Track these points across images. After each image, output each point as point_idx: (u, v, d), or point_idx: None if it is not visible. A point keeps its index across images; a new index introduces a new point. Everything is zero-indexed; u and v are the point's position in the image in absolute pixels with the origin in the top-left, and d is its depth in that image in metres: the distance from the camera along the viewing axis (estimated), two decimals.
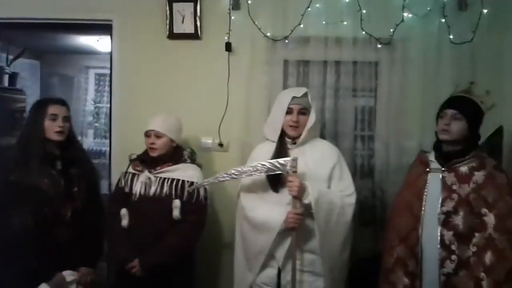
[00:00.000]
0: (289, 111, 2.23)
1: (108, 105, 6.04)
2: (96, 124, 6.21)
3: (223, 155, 2.92)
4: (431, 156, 2.11)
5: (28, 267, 2.16)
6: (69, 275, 2.25)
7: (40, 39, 4.88)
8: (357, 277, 2.38)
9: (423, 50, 2.77)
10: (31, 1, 2.92)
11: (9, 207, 2.18)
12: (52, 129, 2.28)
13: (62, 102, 2.37)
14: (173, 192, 2.36)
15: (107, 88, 6.23)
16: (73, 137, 2.42)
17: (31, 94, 5.31)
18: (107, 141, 6.02)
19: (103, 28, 3.03)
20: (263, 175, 2.19)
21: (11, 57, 4.84)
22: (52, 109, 2.30)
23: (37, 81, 5.82)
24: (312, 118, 2.25)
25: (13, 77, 4.82)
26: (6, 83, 4.68)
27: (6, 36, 4.17)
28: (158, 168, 2.41)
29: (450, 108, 2.02)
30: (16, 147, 2.34)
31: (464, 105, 2.02)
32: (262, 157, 2.25)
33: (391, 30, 2.72)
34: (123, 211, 2.37)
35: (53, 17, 2.96)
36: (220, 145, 2.91)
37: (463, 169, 1.97)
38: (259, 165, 2.14)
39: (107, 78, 6.20)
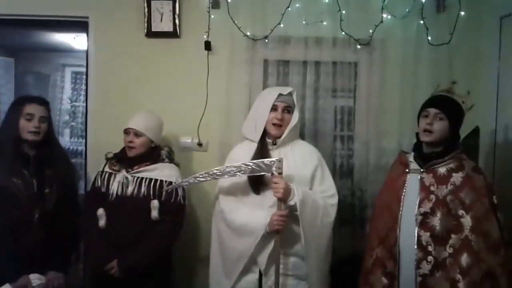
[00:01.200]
0: (273, 108, 2.20)
1: (85, 104, 5.98)
2: (73, 123, 6.09)
3: (202, 154, 2.89)
4: (411, 157, 2.11)
5: None
6: (35, 278, 2.21)
7: (14, 36, 4.75)
8: (337, 278, 2.37)
9: (401, 51, 2.79)
10: None
11: None
12: (26, 128, 2.24)
13: (41, 102, 2.32)
14: (151, 192, 2.32)
15: (83, 87, 6.10)
16: (51, 137, 2.38)
17: (5, 93, 5.19)
18: (84, 140, 5.96)
19: (80, 25, 2.96)
20: (245, 176, 2.14)
21: None
22: (28, 109, 2.25)
23: (11, 79, 5.66)
24: (295, 118, 2.22)
25: None
26: None
27: None
28: (136, 167, 2.37)
29: (432, 107, 2.01)
30: None
31: (447, 105, 2.01)
32: (242, 158, 2.20)
33: (370, 31, 2.73)
34: (100, 211, 2.32)
35: (28, 13, 2.89)
36: (199, 144, 2.88)
37: (442, 170, 1.97)
38: (243, 165, 2.08)
39: (84, 77, 6.06)
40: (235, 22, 2.74)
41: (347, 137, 2.88)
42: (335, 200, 2.21)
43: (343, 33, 2.72)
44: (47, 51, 5.70)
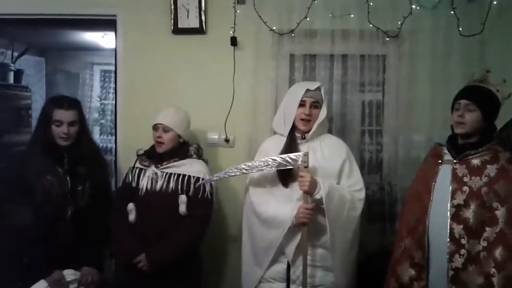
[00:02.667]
0: (302, 104, 2.22)
1: (114, 102, 6.08)
2: (102, 121, 6.20)
3: (229, 150, 2.90)
4: (445, 149, 2.07)
5: (28, 262, 2.17)
6: (70, 274, 2.26)
7: (44, 35, 4.87)
8: (366, 272, 2.37)
9: (431, 43, 2.72)
10: None
11: (13, 202, 2.20)
12: (57, 134, 2.29)
13: (68, 106, 2.33)
14: (179, 187, 2.35)
15: (112, 85, 6.22)
16: (84, 135, 2.42)
17: (36, 91, 5.33)
18: (113, 137, 6.06)
19: (108, 23, 3.00)
20: (273, 170, 2.17)
21: (16, 54, 4.84)
22: (57, 115, 2.30)
23: (42, 78, 5.82)
24: (323, 113, 2.24)
25: (18, 74, 4.82)
26: (11, 80, 4.68)
27: (10, 33, 4.17)
28: (165, 163, 2.40)
29: (463, 99, 1.98)
30: (29, 146, 2.37)
31: (478, 95, 1.96)
32: (271, 151, 2.24)
33: (399, 22, 2.67)
34: (130, 206, 2.36)
35: (57, 13, 2.94)
36: (226, 140, 2.88)
37: (475, 161, 1.93)
38: (270, 160, 2.13)
39: (113, 75, 6.18)
40: (261, 16, 2.72)
41: (376, 132, 2.83)
42: (362, 195, 2.22)
43: (371, 25, 2.68)
44: (76, 50, 5.82)
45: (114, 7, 2.87)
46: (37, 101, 5.06)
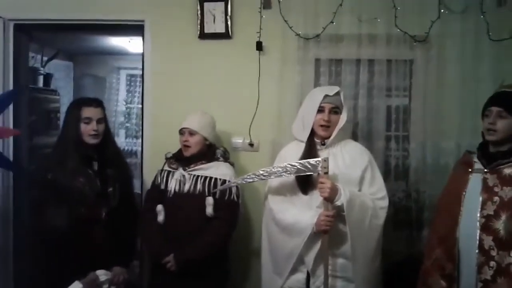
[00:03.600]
0: (320, 110, 2.18)
1: (139, 106, 6.17)
2: (127, 124, 6.28)
3: (253, 155, 2.90)
4: (475, 157, 2.02)
5: (62, 265, 2.21)
6: (102, 274, 2.28)
7: (73, 40, 4.96)
8: (393, 281, 2.32)
9: (460, 48, 2.68)
10: (64, 3, 2.97)
11: (45, 205, 2.24)
12: (86, 132, 2.32)
13: (96, 104, 2.39)
14: (206, 189, 2.37)
15: (138, 89, 6.30)
16: (109, 137, 2.46)
17: (65, 95, 5.42)
18: (138, 140, 6.15)
19: (135, 28, 3.05)
20: (292, 176, 2.15)
21: (45, 58, 4.96)
22: (86, 112, 2.34)
23: (70, 82, 5.94)
24: (343, 118, 2.19)
25: (47, 78, 4.93)
26: (41, 84, 4.79)
27: (40, 38, 4.27)
28: (192, 165, 2.43)
29: (494, 106, 1.93)
30: (55, 147, 2.41)
31: (510, 102, 1.91)
32: (290, 157, 2.22)
33: (427, 27, 2.64)
34: (159, 207, 2.40)
35: (86, 18, 3.00)
36: (251, 145, 2.89)
37: (507, 171, 1.88)
38: (289, 165, 2.10)
39: (138, 79, 6.27)
40: (287, 21, 2.73)
41: (402, 137, 2.79)
42: (385, 203, 2.16)
43: (398, 29, 2.65)
44: (103, 54, 5.91)
45: (142, 13, 2.92)
46: (65, 104, 5.12)
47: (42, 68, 4.83)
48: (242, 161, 2.88)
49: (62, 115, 4.91)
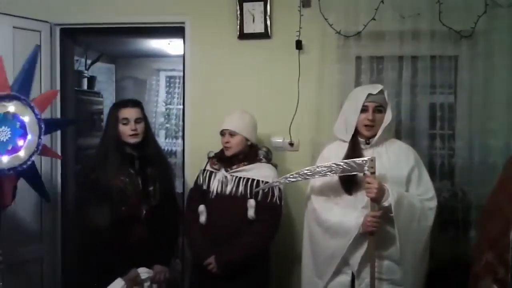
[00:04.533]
0: (364, 109, 2.14)
1: (178, 107, 6.27)
2: (167, 125, 6.39)
3: (293, 154, 2.89)
4: None
5: (105, 262, 2.27)
6: (144, 272, 2.34)
7: (115, 44, 5.10)
8: (438, 282, 2.25)
9: (507, 43, 2.57)
10: (107, 7, 3.05)
11: (89, 204, 2.31)
12: (126, 132, 2.37)
13: (132, 104, 2.44)
14: (248, 191, 2.36)
15: (177, 90, 6.40)
16: (150, 136, 2.50)
17: (107, 96, 5.59)
18: (178, 141, 6.26)
19: (175, 31, 3.10)
20: (336, 176, 2.10)
21: (89, 61, 5.12)
22: (123, 113, 2.39)
23: (112, 84, 6.10)
24: (388, 117, 2.14)
25: (91, 80, 5.09)
26: (85, 86, 4.95)
27: (84, 41, 4.41)
28: (234, 167, 2.42)
29: None
30: (98, 148, 2.47)
31: None
32: (333, 158, 2.17)
33: (473, 22, 2.55)
34: (201, 208, 2.41)
35: (129, 22, 3.07)
36: (291, 144, 2.88)
37: None
38: (334, 165, 2.05)
39: (177, 80, 6.38)
40: (327, 19, 2.70)
41: (448, 136, 2.71)
42: (433, 204, 2.09)
43: (443, 25, 2.57)
44: (144, 57, 6.04)
45: (182, 15, 2.96)
46: (108, 106, 5.29)
47: (86, 71, 4.99)
48: (282, 160, 2.87)
49: (105, 117, 5.06)
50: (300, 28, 2.75)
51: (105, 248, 2.26)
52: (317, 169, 2.09)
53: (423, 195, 2.10)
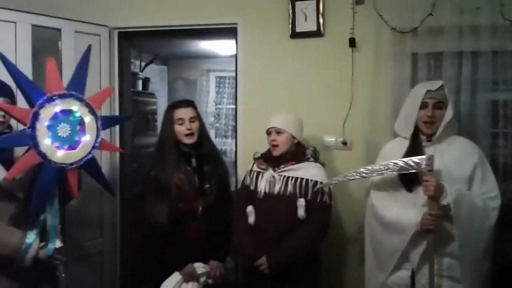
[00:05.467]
0: (423, 106, 2.10)
1: (228, 106, 6.35)
2: (217, 125, 6.49)
3: (346, 153, 2.85)
4: None
5: (163, 256, 2.34)
6: (200, 267, 2.39)
7: (167, 46, 5.24)
8: (500, 284, 2.16)
9: None
10: (162, 11, 3.13)
11: (149, 200, 2.38)
12: (181, 132, 2.42)
13: (186, 104, 2.49)
14: (297, 191, 2.34)
15: (226, 90, 6.50)
16: (205, 135, 2.55)
17: (160, 98, 5.74)
18: (228, 140, 6.34)
19: (226, 31, 3.15)
20: (395, 174, 2.08)
21: (143, 63, 5.28)
22: (177, 114, 2.44)
23: (165, 85, 6.27)
24: (449, 113, 2.10)
25: (145, 82, 5.25)
26: (139, 87, 5.11)
27: (139, 44, 4.56)
28: (282, 166, 2.41)
29: None
30: (156, 147, 2.55)
31: None
32: (393, 155, 2.15)
33: None
34: (249, 208, 2.42)
35: (182, 24, 3.14)
36: (344, 143, 2.84)
37: None
38: (391, 163, 2.03)
39: (227, 80, 6.47)
40: (381, 16, 2.65)
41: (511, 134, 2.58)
42: (497, 203, 2.03)
43: (504, 19, 2.46)
44: (194, 58, 6.17)
45: (235, 16, 3.00)
46: (161, 107, 5.46)
47: (140, 73, 5.15)
48: (334, 160, 2.85)
49: (158, 117, 5.21)
50: (353, 25, 2.72)
51: (163, 243, 2.32)
52: (375, 168, 2.09)
53: (486, 193, 2.04)
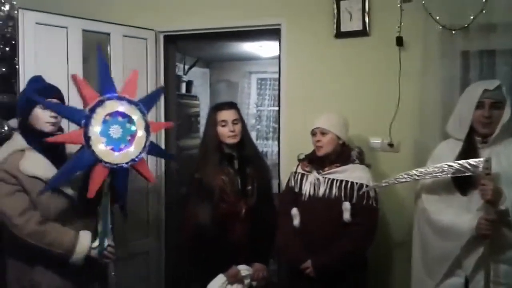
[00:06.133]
0: (479, 106, 2.01)
1: (269, 108, 6.36)
2: (258, 126, 6.51)
3: (392, 155, 2.78)
4: None
5: (208, 258, 2.35)
6: (244, 269, 2.38)
7: (210, 48, 5.31)
8: None
9: None
10: (206, 14, 3.16)
11: (193, 202, 2.41)
12: (225, 134, 2.43)
13: (229, 106, 2.51)
14: (342, 193, 2.30)
15: (268, 92, 6.51)
16: (247, 137, 2.55)
17: (203, 100, 5.83)
18: (269, 142, 6.34)
19: (268, 33, 3.14)
20: (448, 177, 2.00)
21: (187, 66, 5.37)
22: (221, 116, 2.45)
23: (207, 88, 6.36)
24: (507, 114, 1.99)
25: (188, 84, 5.35)
26: (183, 90, 5.21)
27: (183, 48, 4.64)
28: (326, 168, 2.38)
29: None
30: (199, 149, 2.58)
31: None
32: (446, 156, 2.07)
33: None
34: (294, 211, 2.39)
35: (226, 26, 3.17)
36: (390, 145, 2.77)
37: None
38: (446, 166, 1.95)
39: (268, 82, 6.48)
40: (430, 13, 2.56)
41: None
42: None
43: None
44: (236, 60, 6.22)
45: (279, 17, 2.98)
46: (203, 109, 5.55)
47: (184, 76, 5.24)
48: (380, 162, 2.78)
49: (201, 119, 5.28)
50: (401, 23, 2.65)
51: (208, 244, 2.34)
52: (428, 170, 2.01)
53: None
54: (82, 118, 1.90)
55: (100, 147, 1.92)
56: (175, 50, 3.55)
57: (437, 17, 2.55)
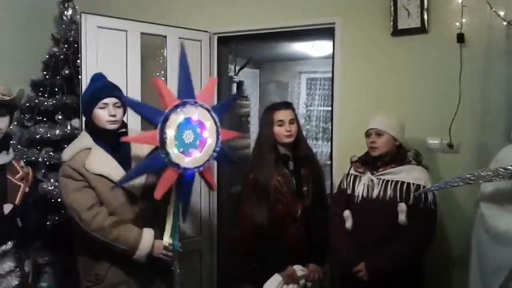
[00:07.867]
0: None
1: (319, 108, 6.30)
2: (308, 127, 6.47)
3: (452, 157, 2.67)
4: None
5: (264, 258, 2.36)
6: (299, 269, 2.38)
7: (260, 49, 5.34)
8: None
9: None
10: (259, 14, 3.17)
11: (248, 202, 2.42)
12: (281, 133, 2.43)
13: (286, 106, 2.51)
14: (398, 195, 2.23)
15: (317, 92, 6.46)
16: (302, 137, 2.55)
17: (252, 100, 5.87)
18: (318, 142, 6.29)
19: (320, 32, 3.11)
20: (509, 182, 1.88)
21: (237, 67, 5.42)
22: (278, 115, 2.45)
23: (257, 88, 6.39)
24: None
25: (239, 85, 5.39)
26: (234, 91, 5.26)
27: (234, 49, 4.69)
28: (381, 169, 2.31)
29: None
30: (254, 149, 2.59)
31: None
32: (508, 160, 1.95)
33: None
34: (347, 213, 2.35)
35: (278, 26, 3.16)
36: (450, 146, 2.66)
37: None
38: (501, 169, 1.85)
39: (318, 82, 6.43)
40: (494, 9, 2.45)
41: None
42: None
43: None
44: (286, 60, 6.21)
45: (333, 15, 2.95)
46: (253, 109, 5.58)
47: (235, 77, 5.29)
48: (438, 163, 2.68)
49: (251, 119, 5.31)
50: (462, 20, 2.55)
51: (264, 244, 2.34)
52: (482, 174, 1.90)
53: None
54: (160, 120, 1.87)
55: (174, 151, 1.91)
56: (227, 51, 3.59)
57: (501, 13, 2.44)
